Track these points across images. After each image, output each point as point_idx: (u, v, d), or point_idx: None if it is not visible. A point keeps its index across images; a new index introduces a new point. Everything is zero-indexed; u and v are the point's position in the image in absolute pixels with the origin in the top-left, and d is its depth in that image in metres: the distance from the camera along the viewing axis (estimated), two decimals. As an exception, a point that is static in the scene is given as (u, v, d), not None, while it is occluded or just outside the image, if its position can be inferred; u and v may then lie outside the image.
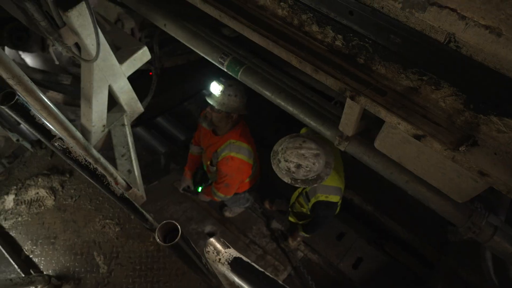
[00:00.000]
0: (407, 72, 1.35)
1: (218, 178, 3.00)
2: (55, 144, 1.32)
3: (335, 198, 2.66)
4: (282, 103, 2.15)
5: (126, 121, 2.71)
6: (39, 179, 2.44)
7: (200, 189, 3.50)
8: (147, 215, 2.02)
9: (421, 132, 1.31)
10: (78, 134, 2.11)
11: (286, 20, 1.63)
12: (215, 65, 2.41)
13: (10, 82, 1.58)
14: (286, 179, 2.50)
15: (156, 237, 0.86)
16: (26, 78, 1.66)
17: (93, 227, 2.33)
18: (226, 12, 1.69)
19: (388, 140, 1.64)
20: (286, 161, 2.40)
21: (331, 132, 2.01)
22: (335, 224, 3.59)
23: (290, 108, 2.13)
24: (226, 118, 2.80)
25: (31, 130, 1.23)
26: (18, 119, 1.18)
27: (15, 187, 2.44)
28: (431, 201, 1.88)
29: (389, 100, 1.40)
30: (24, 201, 2.39)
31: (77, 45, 2.14)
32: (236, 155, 2.83)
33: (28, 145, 2.55)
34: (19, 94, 1.14)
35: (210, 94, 2.72)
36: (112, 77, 2.37)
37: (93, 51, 2.07)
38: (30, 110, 1.17)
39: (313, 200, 2.69)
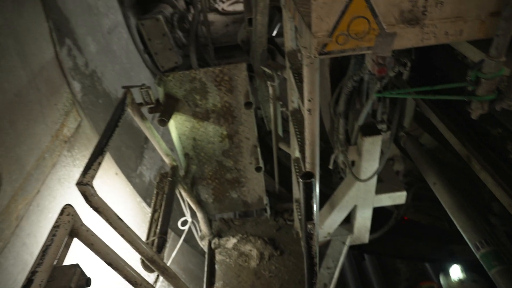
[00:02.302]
0: None
1: None
2: (308, 226, 1.54)
3: None
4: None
5: (348, 242, 2.79)
6: (259, 241, 2.82)
7: None
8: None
9: None
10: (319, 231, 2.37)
11: None
12: (465, 245, 2.19)
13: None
14: None
15: None
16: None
17: (268, 308, 2.44)
18: (521, 205, 1.56)
19: None
20: None
21: None
22: None
23: None
24: None
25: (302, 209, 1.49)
26: (300, 192, 1.46)
27: (240, 235, 2.90)
28: None
29: None
30: (239, 249, 2.80)
31: (353, 162, 2.48)
32: None
33: (269, 211, 3.04)
34: (314, 177, 1.43)
35: (447, 274, 2.49)
36: (362, 201, 2.56)
37: (363, 174, 2.33)
38: (313, 192, 1.43)
39: None
